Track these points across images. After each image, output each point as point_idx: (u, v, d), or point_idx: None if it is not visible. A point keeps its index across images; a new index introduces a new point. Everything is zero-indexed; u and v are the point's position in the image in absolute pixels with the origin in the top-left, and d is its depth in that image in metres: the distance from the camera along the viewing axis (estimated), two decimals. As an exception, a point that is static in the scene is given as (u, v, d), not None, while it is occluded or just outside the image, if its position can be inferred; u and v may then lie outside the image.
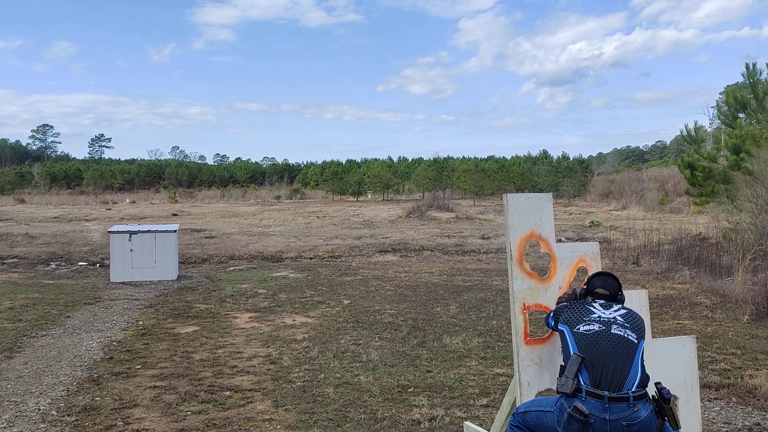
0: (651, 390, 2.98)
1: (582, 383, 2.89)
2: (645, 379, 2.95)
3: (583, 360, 2.94)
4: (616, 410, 2.80)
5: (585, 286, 3.41)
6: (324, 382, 5.82)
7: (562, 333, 3.18)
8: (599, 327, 3.05)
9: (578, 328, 3.09)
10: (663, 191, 36.58)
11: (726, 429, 4.67)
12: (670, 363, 3.68)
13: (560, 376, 3.00)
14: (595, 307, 3.21)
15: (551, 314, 3.44)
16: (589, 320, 3.11)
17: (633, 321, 3.11)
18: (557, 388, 2.96)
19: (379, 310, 9.14)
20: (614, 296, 3.33)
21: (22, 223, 26.58)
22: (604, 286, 3.35)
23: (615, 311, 3.16)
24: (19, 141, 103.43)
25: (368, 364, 6.38)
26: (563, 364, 3.07)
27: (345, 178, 55.33)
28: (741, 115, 16.08)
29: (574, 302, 3.34)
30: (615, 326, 3.05)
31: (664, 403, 2.94)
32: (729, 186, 14.54)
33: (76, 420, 4.89)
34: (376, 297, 10.27)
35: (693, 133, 16.67)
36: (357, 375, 6.02)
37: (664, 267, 12.80)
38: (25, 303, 9.72)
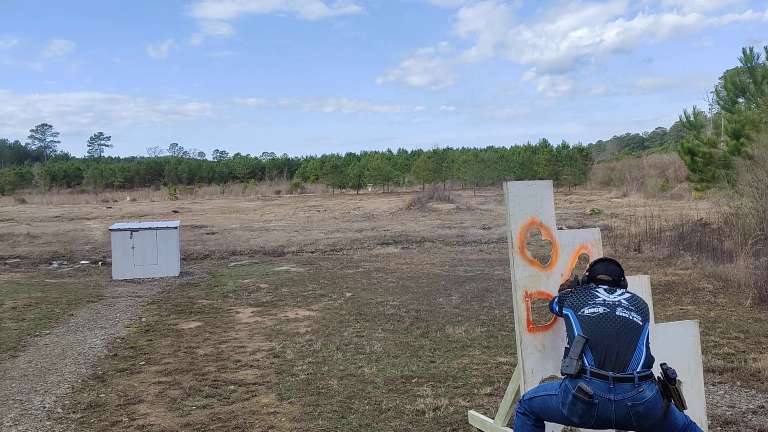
0: (657, 371, 2.98)
1: (586, 364, 2.88)
2: (650, 360, 2.94)
3: (587, 341, 2.94)
4: (620, 391, 2.79)
5: (587, 273, 3.41)
6: (328, 374, 5.83)
7: (566, 317, 3.17)
8: (604, 309, 3.05)
9: (583, 311, 3.08)
10: (663, 178, 36.53)
11: (730, 412, 4.68)
12: (673, 348, 3.68)
13: (564, 357, 2.99)
14: (599, 292, 3.20)
15: (555, 299, 3.44)
16: (593, 303, 3.11)
17: (637, 304, 3.11)
18: (561, 369, 2.95)
19: (381, 302, 9.15)
20: (617, 282, 3.32)
21: (23, 223, 26.59)
22: (607, 272, 3.34)
23: (619, 295, 3.16)
24: (18, 141, 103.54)
25: (371, 356, 6.38)
26: (568, 346, 3.06)
27: (345, 172, 55.29)
28: (740, 99, 16.02)
29: (579, 287, 3.34)
30: (620, 309, 3.05)
31: (669, 383, 2.93)
32: (729, 171, 14.50)
33: (82, 417, 4.90)
34: (378, 289, 10.27)
35: (692, 119, 16.62)
36: (361, 367, 6.02)
37: (665, 253, 12.80)
38: (28, 302, 9.73)
